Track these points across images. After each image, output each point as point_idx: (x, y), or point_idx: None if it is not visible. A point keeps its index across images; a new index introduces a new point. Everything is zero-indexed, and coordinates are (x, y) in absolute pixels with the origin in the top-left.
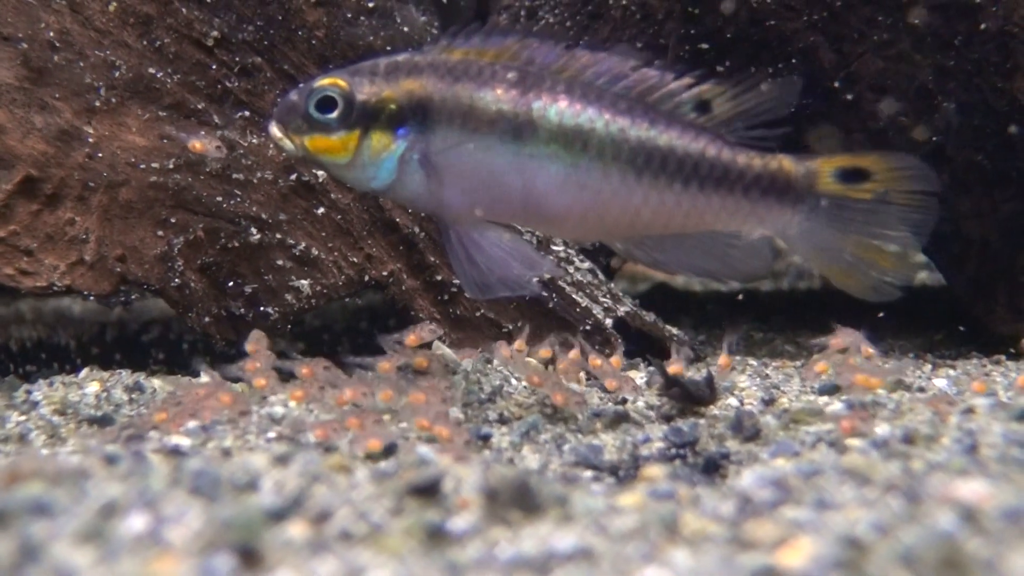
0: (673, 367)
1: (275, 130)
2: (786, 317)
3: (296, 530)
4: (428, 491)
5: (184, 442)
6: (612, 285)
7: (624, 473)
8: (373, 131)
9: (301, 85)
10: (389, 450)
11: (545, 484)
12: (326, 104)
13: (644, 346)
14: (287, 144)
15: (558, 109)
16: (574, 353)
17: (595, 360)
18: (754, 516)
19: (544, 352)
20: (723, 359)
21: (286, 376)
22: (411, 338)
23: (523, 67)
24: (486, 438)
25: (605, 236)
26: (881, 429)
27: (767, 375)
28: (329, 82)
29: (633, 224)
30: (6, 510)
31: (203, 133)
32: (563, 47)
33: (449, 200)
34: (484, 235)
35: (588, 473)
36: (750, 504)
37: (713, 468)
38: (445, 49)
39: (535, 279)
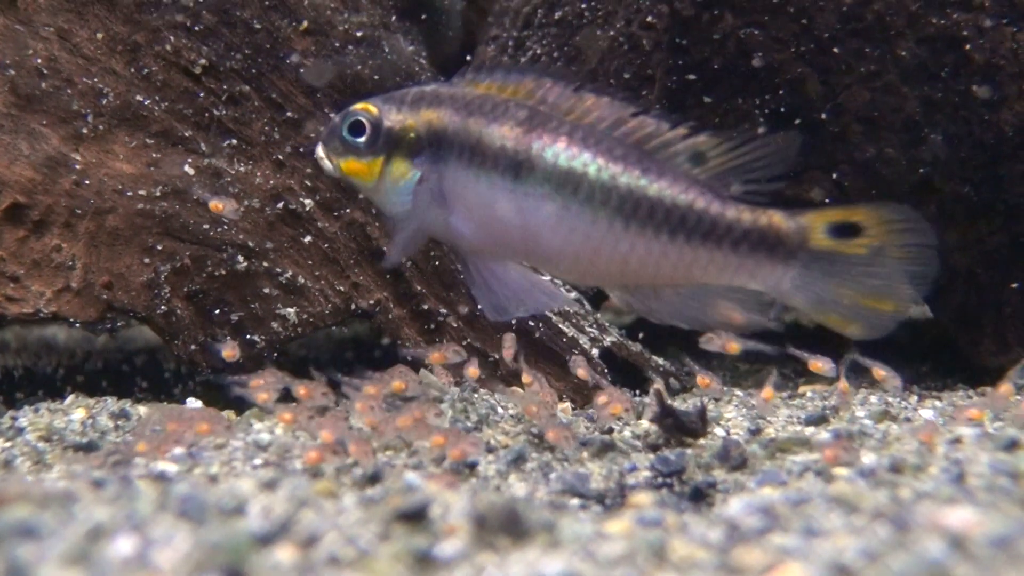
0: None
1: (319, 150)
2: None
3: (284, 554)
4: (415, 517)
5: (170, 468)
6: (598, 315)
7: (611, 501)
8: (394, 158)
9: (347, 108)
10: (375, 477)
11: (533, 510)
12: (357, 128)
13: (630, 376)
14: (327, 164)
15: (555, 150)
16: (545, 393)
17: (602, 397)
18: (742, 543)
19: (507, 352)
20: (700, 379)
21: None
22: (435, 355)
23: (535, 106)
24: (473, 466)
25: (599, 281)
26: (868, 459)
27: (753, 405)
28: (362, 107)
29: (623, 272)
30: None
31: (223, 194)
32: (572, 88)
33: (459, 231)
34: (500, 265)
35: (575, 501)
36: (738, 531)
37: (700, 497)
38: (471, 82)
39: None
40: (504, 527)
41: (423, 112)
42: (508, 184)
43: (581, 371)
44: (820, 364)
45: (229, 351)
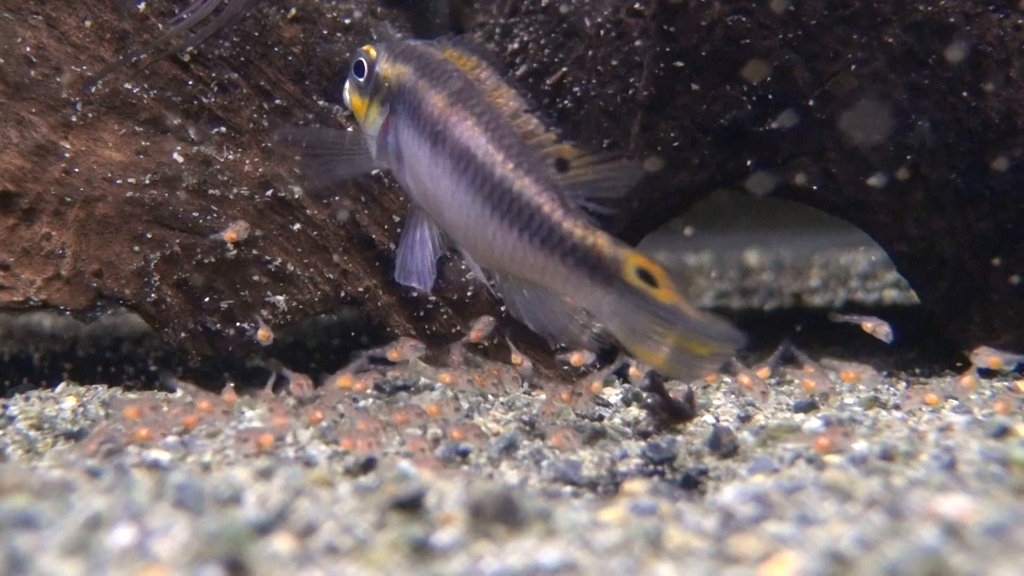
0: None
1: (347, 83)
2: (758, 335)
3: (282, 544)
4: (411, 505)
5: (163, 456)
6: None
7: (603, 489)
8: (374, 102)
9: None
10: (368, 465)
11: (528, 499)
12: (359, 67)
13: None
14: (345, 97)
15: (462, 128)
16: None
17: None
18: (737, 531)
19: (516, 359)
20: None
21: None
22: (392, 353)
23: (472, 81)
24: (464, 453)
25: (484, 261)
26: (859, 446)
27: (742, 392)
28: (366, 48)
29: (492, 257)
30: None
31: (236, 223)
32: (499, 77)
33: (404, 183)
34: (438, 229)
35: (567, 489)
36: (733, 519)
37: (691, 484)
38: (443, 46)
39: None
40: (500, 516)
41: (397, 64)
42: (427, 150)
43: (576, 357)
44: (871, 325)
45: (264, 332)
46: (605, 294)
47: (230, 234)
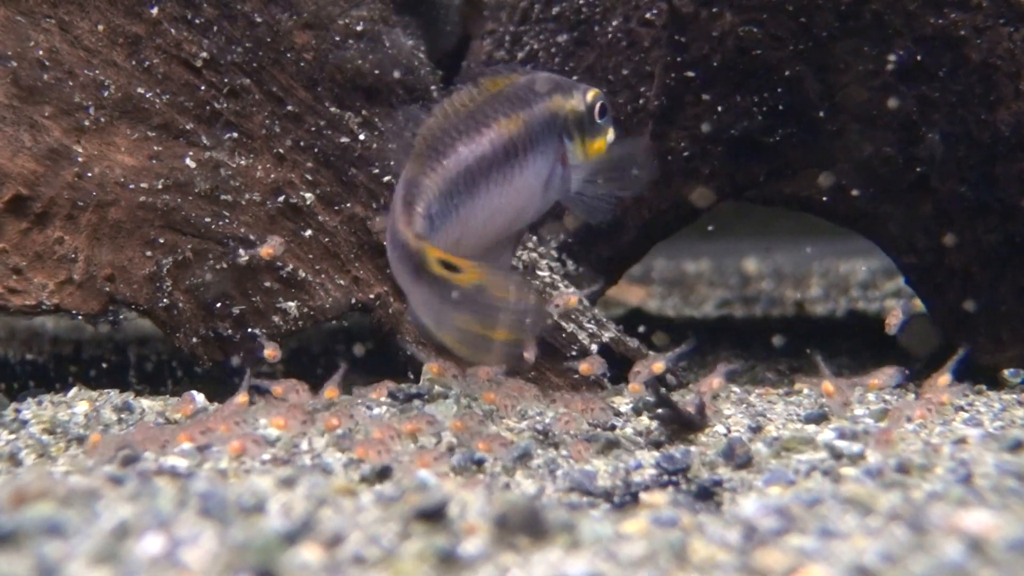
0: (656, 365)
1: None
2: (763, 344)
3: (310, 554)
4: (434, 516)
5: (180, 463)
6: (596, 311)
7: (619, 499)
8: None
9: None
10: (384, 473)
11: (551, 510)
12: None
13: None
14: None
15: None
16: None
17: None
18: (761, 544)
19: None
20: (716, 381)
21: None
22: (434, 367)
23: (472, 91)
24: (480, 462)
25: None
26: (874, 458)
27: (751, 403)
28: None
29: None
30: (18, 530)
31: (271, 238)
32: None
33: None
34: None
35: (583, 499)
36: (756, 532)
37: (707, 495)
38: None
39: None
40: (524, 527)
41: None
42: None
43: (584, 367)
44: (895, 314)
45: (271, 351)
46: (415, 286)
47: (266, 250)
